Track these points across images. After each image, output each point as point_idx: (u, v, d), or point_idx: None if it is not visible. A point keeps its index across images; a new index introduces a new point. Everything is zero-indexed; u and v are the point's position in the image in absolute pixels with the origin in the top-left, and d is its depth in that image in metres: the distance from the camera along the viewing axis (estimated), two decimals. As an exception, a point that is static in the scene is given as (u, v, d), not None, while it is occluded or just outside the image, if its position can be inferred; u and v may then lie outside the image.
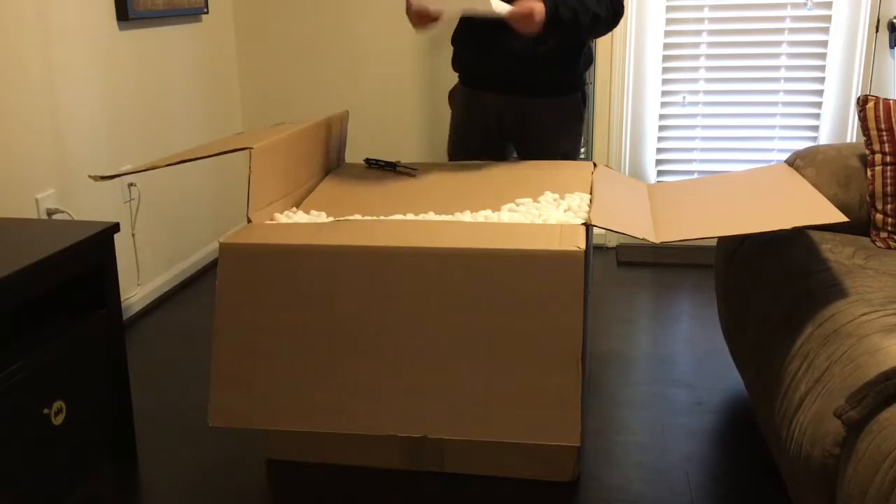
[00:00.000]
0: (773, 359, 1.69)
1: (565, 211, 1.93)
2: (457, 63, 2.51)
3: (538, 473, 1.90)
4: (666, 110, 3.51)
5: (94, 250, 1.86)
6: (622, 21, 3.41)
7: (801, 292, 1.73)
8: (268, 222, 1.92)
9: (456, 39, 2.48)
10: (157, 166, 1.95)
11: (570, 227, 1.77)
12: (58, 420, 1.75)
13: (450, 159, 2.55)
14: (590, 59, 2.50)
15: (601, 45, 3.43)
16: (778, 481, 1.89)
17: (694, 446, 2.06)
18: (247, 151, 1.88)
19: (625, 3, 2.31)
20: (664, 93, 3.49)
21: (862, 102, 2.06)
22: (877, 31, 3.28)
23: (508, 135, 2.48)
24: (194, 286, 3.24)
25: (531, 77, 2.37)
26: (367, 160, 2.39)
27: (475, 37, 2.38)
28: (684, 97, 3.49)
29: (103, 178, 1.95)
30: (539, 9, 2.12)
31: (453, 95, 2.57)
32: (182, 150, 3.24)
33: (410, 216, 1.95)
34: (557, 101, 2.43)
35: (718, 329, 2.60)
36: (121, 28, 2.80)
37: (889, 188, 2.00)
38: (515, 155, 2.54)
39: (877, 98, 2.06)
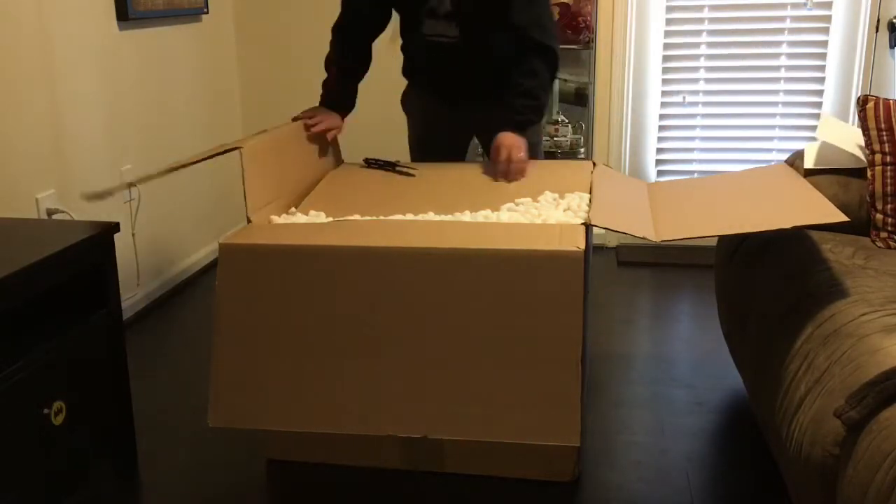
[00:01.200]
0: (773, 359, 1.69)
1: (565, 211, 1.93)
2: (411, 77, 2.50)
3: (538, 473, 1.90)
4: (666, 110, 3.51)
5: (94, 250, 1.86)
6: (622, 21, 3.43)
7: (801, 292, 1.73)
8: (268, 222, 1.92)
9: (409, 72, 2.48)
10: (150, 178, 1.94)
11: (569, 227, 1.77)
12: (58, 420, 1.75)
13: (412, 160, 2.54)
14: None
15: (601, 44, 3.44)
16: (778, 481, 1.89)
17: (694, 446, 2.06)
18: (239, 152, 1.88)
19: (555, 41, 2.27)
20: (664, 93, 3.49)
21: (862, 102, 2.06)
22: (877, 31, 3.28)
23: (473, 132, 2.51)
24: (194, 286, 3.24)
25: (493, 87, 2.37)
26: (367, 160, 2.38)
27: (435, 79, 2.40)
28: (684, 97, 3.49)
29: (97, 196, 1.94)
30: (513, 143, 2.12)
31: (407, 101, 2.55)
32: (182, 150, 3.24)
33: (410, 216, 1.95)
34: None
35: (718, 329, 2.60)
36: (121, 28, 2.80)
37: (889, 188, 1.99)
38: (480, 150, 2.56)
39: (877, 98, 2.06)
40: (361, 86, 2.37)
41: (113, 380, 1.96)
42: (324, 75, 2.33)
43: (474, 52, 2.26)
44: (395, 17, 2.41)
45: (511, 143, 2.13)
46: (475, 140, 2.56)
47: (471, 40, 2.24)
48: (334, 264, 1.73)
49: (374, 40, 2.41)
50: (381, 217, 1.94)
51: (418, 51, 2.38)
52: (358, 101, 2.42)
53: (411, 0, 2.28)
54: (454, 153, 2.49)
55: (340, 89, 2.36)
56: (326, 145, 2.34)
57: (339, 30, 2.37)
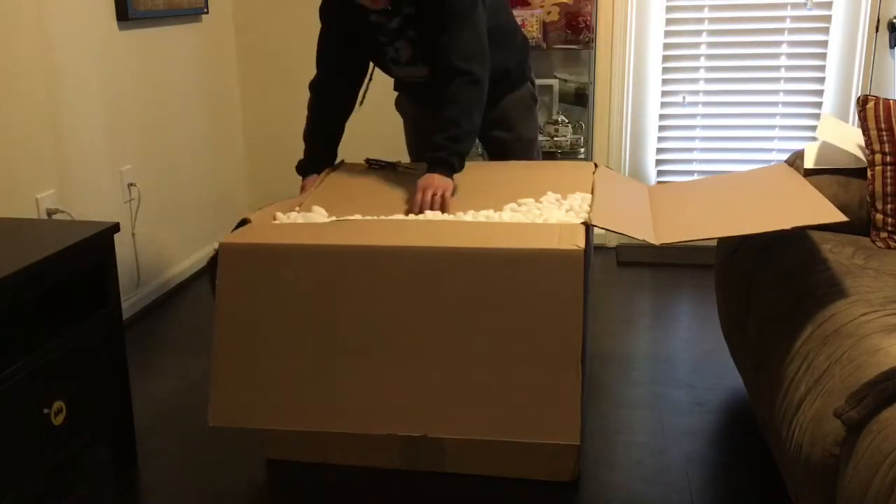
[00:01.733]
0: (773, 359, 1.69)
1: (567, 211, 1.93)
2: (401, 92, 2.54)
3: (538, 473, 1.90)
4: (666, 110, 3.51)
5: (94, 250, 1.86)
6: (622, 21, 3.43)
7: (801, 292, 1.73)
8: (268, 222, 1.92)
9: (397, 89, 2.53)
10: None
11: (569, 227, 1.77)
12: (58, 420, 1.75)
13: (412, 160, 2.55)
14: (524, 50, 2.48)
15: (601, 44, 3.44)
16: (778, 481, 1.89)
17: (694, 446, 2.06)
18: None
19: (476, 64, 2.14)
20: (664, 93, 3.49)
21: (862, 102, 2.06)
22: (877, 31, 3.28)
23: None
24: (194, 286, 3.24)
25: None
26: (368, 160, 2.38)
27: (419, 95, 2.43)
28: (684, 97, 3.49)
29: None
30: (428, 184, 2.01)
31: (400, 106, 2.58)
32: (182, 150, 3.24)
33: (411, 216, 1.95)
34: (512, 96, 2.43)
35: (718, 329, 2.60)
36: (121, 28, 2.80)
37: (889, 188, 1.99)
38: (480, 149, 2.56)
39: (877, 98, 2.06)
40: (373, 87, 2.39)
41: (113, 380, 1.96)
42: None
43: None
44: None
45: (426, 184, 2.01)
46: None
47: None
48: (335, 264, 1.73)
49: (357, 89, 2.36)
50: (382, 217, 1.94)
51: (396, 84, 2.44)
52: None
53: (373, 54, 2.31)
54: None
55: (308, 161, 2.31)
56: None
57: (316, 88, 2.33)
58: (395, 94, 2.58)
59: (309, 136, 2.34)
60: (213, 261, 1.84)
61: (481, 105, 2.15)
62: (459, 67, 2.11)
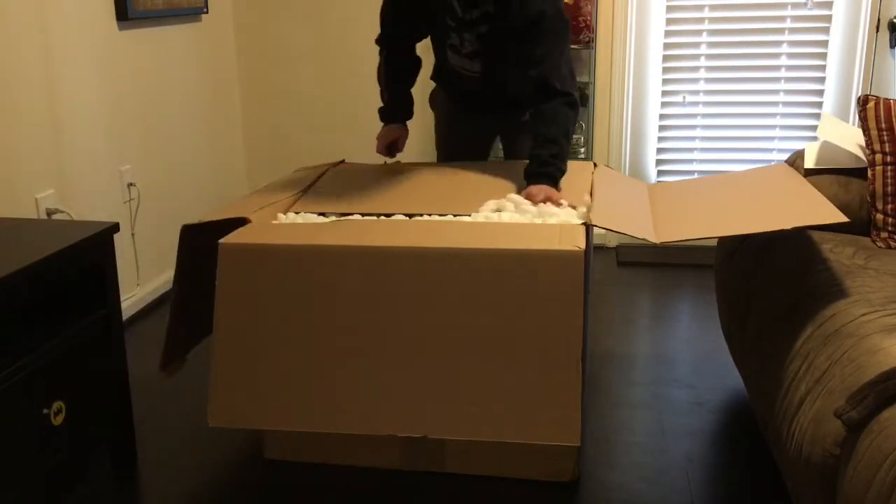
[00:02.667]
0: (773, 359, 1.69)
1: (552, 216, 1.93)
2: (439, 82, 2.55)
3: (538, 473, 1.90)
4: (666, 110, 3.51)
5: (94, 250, 1.86)
6: (622, 21, 3.42)
7: (802, 292, 1.73)
8: (268, 222, 1.92)
9: (436, 79, 2.54)
10: None
11: (569, 227, 1.77)
12: (58, 420, 1.75)
13: (439, 159, 2.57)
14: None
15: (601, 44, 3.43)
16: (778, 481, 1.89)
17: (694, 446, 2.06)
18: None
19: (575, 88, 2.25)
20: (664, 93, 3.49)
21: (862, 102, 2.06)
22: (877, 31, 3.28)
23: (497, 133, 2.54)
24: (194, 286, 3.24)
25: (516, 108, 2.40)
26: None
27: (459, 90, 2.44)
28: (684, 97, 3.49)
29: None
30: (540, 191, 2.03)
31: (435, 100, 2.59)
32: (182, 150, 3.24)
33: (400, 217, 1.95)
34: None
35: (718, 329, 2.60)
36: (120, 28, 2.80)
37: (889, 188, 1.99)
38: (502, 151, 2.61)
39: (877, 98, 2.06)
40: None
41: (113, 380, 1.96)
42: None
43: (495, 86, 2.30)
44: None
45: (539, 191, 2.02)
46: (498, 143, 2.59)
47: (492, 76, 2.27)
48: (334, 264, 1.73)
49: (415, 45, 2.42)
50: (382, 217, 1.94)
51: (443, 69, 2.42)
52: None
53: (435, 36, 2.33)
54: (476, 153, 2.52)
55: (389, 107, 2.40)
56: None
57: (380, 44, 2.40)
58: (425, 89, 2.58)
59: (386, 84, 2.39)
60: (183, 234, 1.85)
61: (575, 126, 2.27)
62: (561, 89, 2.16)
